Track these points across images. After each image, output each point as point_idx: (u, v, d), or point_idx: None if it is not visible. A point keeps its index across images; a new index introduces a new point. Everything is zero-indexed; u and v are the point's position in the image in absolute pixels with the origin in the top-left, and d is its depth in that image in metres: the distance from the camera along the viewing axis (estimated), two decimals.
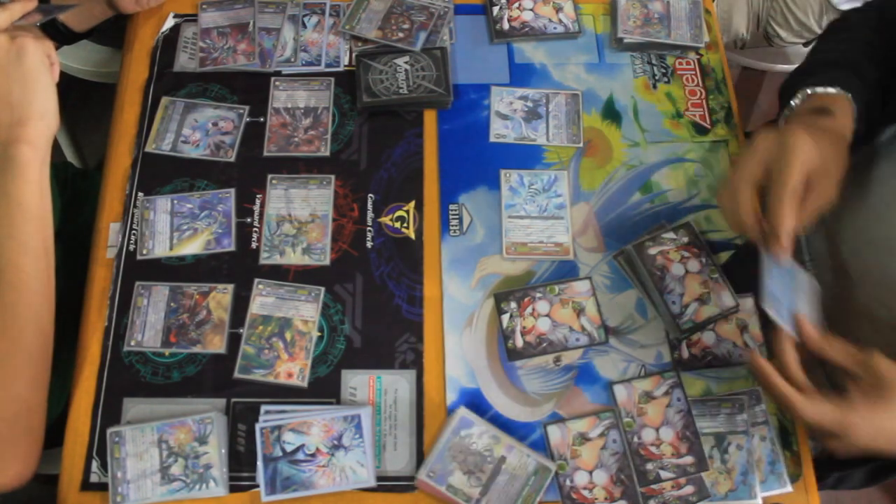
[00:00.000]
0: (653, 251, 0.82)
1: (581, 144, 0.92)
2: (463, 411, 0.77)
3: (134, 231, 0.85)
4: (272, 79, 0.94)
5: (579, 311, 0.83)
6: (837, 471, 0.92)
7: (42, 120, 0.72)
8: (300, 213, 0.86)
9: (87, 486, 0.74)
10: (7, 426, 0.68)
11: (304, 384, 0.79)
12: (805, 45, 1.42)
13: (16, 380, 0.69)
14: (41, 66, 0.72)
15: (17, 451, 0.69)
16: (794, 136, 0.65)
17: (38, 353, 0.71)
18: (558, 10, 1.00)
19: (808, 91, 0.75)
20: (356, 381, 0.79)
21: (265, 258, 0.84)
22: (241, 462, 0.75)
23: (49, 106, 0.73)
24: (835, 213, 0.71)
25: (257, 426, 0.74)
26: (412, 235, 0.87)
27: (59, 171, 1.02)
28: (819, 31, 1.33)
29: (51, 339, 0.72)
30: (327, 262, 0.84)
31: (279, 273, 0.83)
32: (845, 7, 1.29)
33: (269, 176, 0.88)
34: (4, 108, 0.71)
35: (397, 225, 0.87)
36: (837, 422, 0.63)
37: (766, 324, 0.83)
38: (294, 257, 0.84)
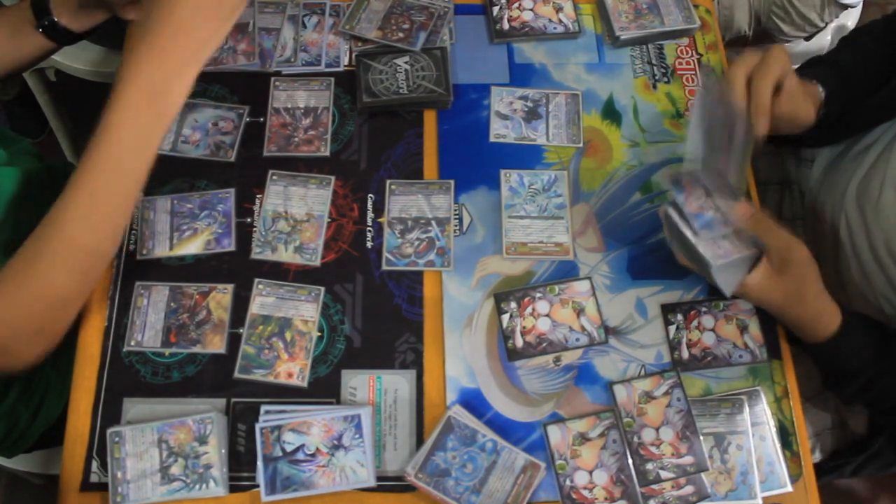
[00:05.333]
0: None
1: (581, 144, 0.92)
2: (454, 410, 0.77)
3: (134, 231, 0.85)
4: (272, 79, 0.93)
5: (579, 311, 0.83)
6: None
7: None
8: (297, 212, 0.86)
9: (87, 486, 0.75)
10: (40, 319, 0.69)
11: (304, 384, 0.79)
12: (807, 38, 1.42)
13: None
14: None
15: (40, 341, 0.71)
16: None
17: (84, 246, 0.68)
18: (558, 10, 1.00)
19: None
20: (356, 381, 0.79)
21: (257, 253, 0.84)
22: (241, 462, 0.75)
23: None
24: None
25: (257, 426, 0.74)
26: None
27: (59, 171, 1.02)
28: (821, 25, 1.34)
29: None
30: (318, 263, 0.84)
31: (279, 273, 0.83)
32: (847, 0, 1.30)
33: (270, 172, 0.88)
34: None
35: None
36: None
37: (767, 323, 0.83)
38: (285, 255, 0.84)
